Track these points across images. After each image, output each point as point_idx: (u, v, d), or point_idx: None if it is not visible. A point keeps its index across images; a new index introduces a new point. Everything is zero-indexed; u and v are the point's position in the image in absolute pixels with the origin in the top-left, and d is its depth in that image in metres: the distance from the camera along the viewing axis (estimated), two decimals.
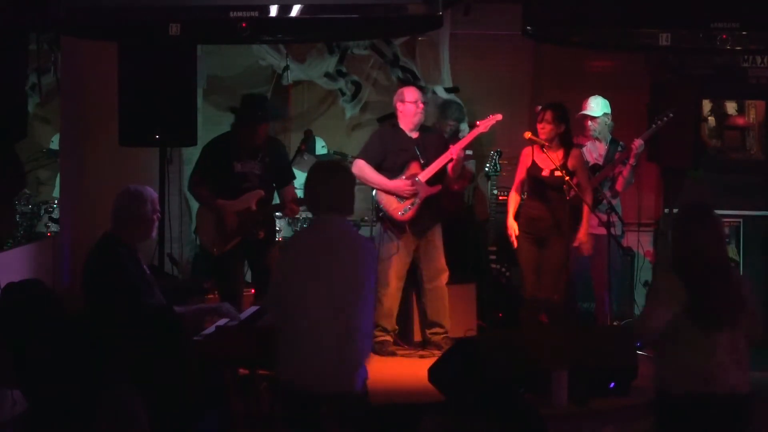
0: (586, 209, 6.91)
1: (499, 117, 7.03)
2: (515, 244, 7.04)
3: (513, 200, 7.15)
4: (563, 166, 6.87)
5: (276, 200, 7.05)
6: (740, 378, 4.31)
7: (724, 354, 4.27)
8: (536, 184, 7.01)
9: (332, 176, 4.45)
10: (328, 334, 4.25)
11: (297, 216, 7.74)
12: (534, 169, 7.01)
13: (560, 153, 6.94)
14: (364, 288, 4.33)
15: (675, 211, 4.70)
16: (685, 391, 4.28)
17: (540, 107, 7.12)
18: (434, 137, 7.31)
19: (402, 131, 7.11)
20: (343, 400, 4.29)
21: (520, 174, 7.13)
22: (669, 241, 4.56)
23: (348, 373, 4.30)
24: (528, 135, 6.91)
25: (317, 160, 8.95)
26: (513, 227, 7.04)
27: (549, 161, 6.91)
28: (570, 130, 7.02)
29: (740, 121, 8.30)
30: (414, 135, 7.11)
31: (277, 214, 7.36)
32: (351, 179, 4.54)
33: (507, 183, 8.11)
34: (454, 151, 6.96)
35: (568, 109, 7.07)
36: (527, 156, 7.06)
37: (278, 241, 7.46)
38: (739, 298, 4.29)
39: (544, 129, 6.91)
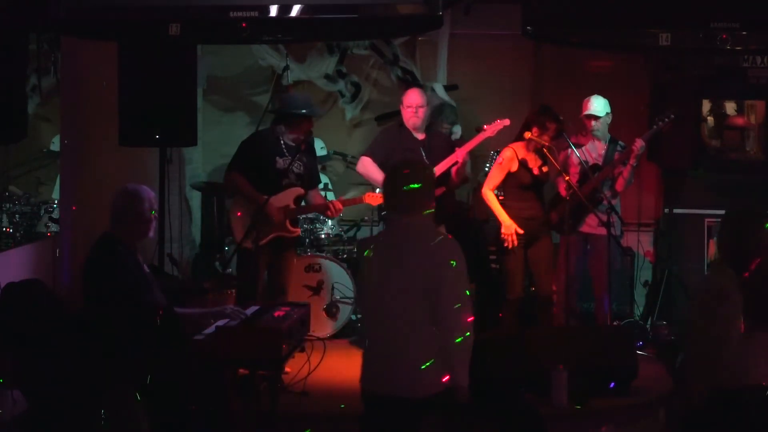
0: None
1: (507, 122, 7.01)
2: (513, 243, 6.93)
3: (495, 199, 7.06)
4: (545, 163, 6.94)
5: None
6: None
7: (764, 351, 4.34)
8: (526, 185, 7.00)
9: (409, 176, 4.33)
10: (411, 337, 4.15)
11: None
12: (523, 170, 6.98)
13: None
14: (448, 287, 4.19)
15: (726, 215, 4.73)
16: (721, 386, 4.32)
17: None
18: (440, 139, 7.32)
19: (408, 131, 7.12)
20: (432, 403, 4.19)
21: (501, 174, 7.04)
22: (721, 243, 4.58)
23: (434, 375, 4.18)
24: (528, 135, 6.90)
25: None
26: (514, 225, 6.95)
27: (534, 160, 6.94)
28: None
29: (740, 121, 8.29)
30: (420, 136, 7.12)
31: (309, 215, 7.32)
32: (428, 179, 4.39)
33: None
34: (460, 154, 6.96)
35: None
36: (511, 160, 6.98)
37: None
38: None
39: (549, 142, 6.85)
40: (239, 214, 6.77)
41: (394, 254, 4.24)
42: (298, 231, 6.75)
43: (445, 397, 4.23)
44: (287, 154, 6.71)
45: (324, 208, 6.87)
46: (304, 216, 8.22)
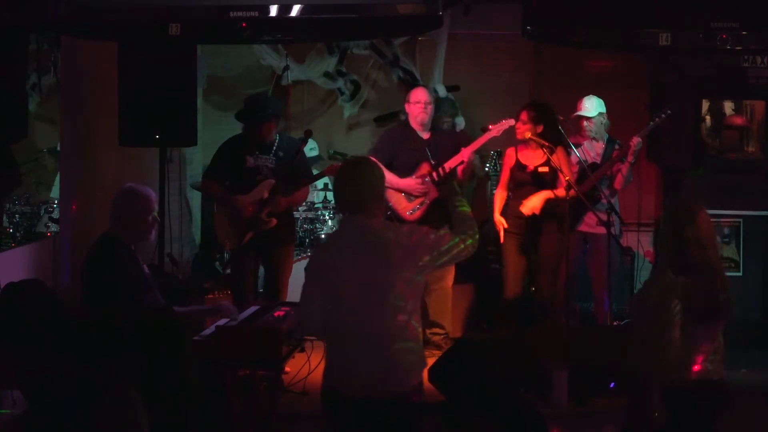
0: (555, 192, 6.91)
1: (512, 122, 7.01)
2: (502, 238, 7.01)
3: (500, 197, 7.15)
4: (547, 163, 6.91)
5: None
6: (718, 368, 4.44)
7: (707, 345, 4.40)
8: (521, 183, 7.02)
9: (355, 174, 4.20)
10: (375, 337, 4.03)
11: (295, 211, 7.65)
12: (518, 167, 7.02)
13: (540, 151, 6.96)
14: (406, 284, 4.08)
15: (665, 208, 4.76)
16: (670, 378, 4.37)
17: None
18: (446, 138, 7.30)
19: (413, 131, 7.11)
20: (395, 405, 4.05)
21: (505, 173, 7.17)
22: (660, 243, 4.61)
23: (398, 375, 4.07)
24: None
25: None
26: (501, 221, 7.02)
27: (533, 159, 6.96)
28: (551, 129, 6.99)
29: (738, 120, 8.28)
30: (425, 135, 7.11)
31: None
32: (371, 176, 4.20)
33: None
34: (466, 153, 6.95)
35: (548, 108, 7.05)
36: (511, 156, 7.10)
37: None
38: (725, 296, 4.40)
39: (519, 129, 6.92)
40: (218, 215, 6.84)
41: (356, 255, 4.08)
42: (274, 221, 6.64)
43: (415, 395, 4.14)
44: (258, 152, 6.73)
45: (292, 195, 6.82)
46: (304, 216, 8.24)
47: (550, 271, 7.02)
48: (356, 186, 4.16)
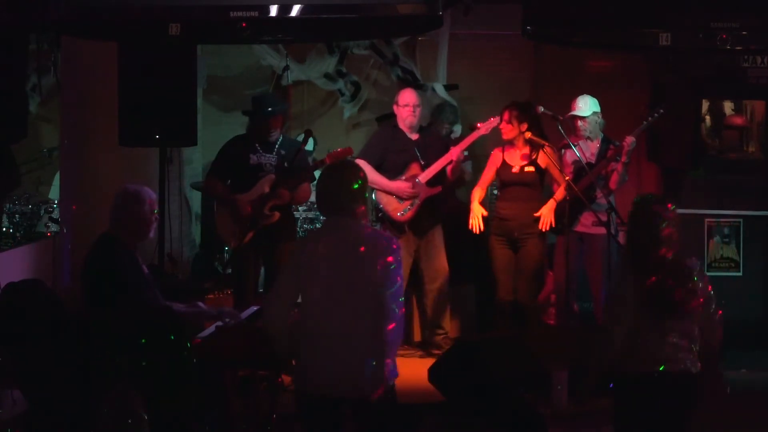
0: (555, 197, 6.89)
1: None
2: (474, 226, 6.92)
3: (477, 194, 7.06)
4: (533, 163, 6.90)
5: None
6: (691, 360, 4.48)
7: (677, 338, 4.44)
8: (507, 184, 7.02)
9: (336, 177, 4.29)
10: (345, 337, 4.10)
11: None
12: (504, 168, 7.01)
13: (526, 150, 6.95)
14: (382, 287, 4.14)
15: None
16: (640, 372, 4.43)
17: (541, 108, 7.12)
18: (434, 139, 7.33)
19: (402, 132, 7.12)
20: (365, 405, 4.13)
21: (486, 173, 7.13)
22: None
23: (369, 376, 4.14)
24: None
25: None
26: (479, 209, 6.94)
27: (518, 159, 6.96)
28: (534, 129, 6.98)
29: (738, 120, 8.28)
30: (414, 136, 7.13)
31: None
32: (354, 180, 4.25)
33: None
34: (454, 153, 6.97)
35: (530, 107, 7.05)
36: (497, 156, 7.07)
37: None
38: (687, 289, 4.43)
39: (505, 129, 6.93)
40: (219, 214, 6.84)
41: (334, 257, 4.15)
42: (277, 215, 6.66)
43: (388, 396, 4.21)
44: (261, 151, 6.74)
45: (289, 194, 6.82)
46: (304, 216, 8.24)
47: (525, 279, 6.99)
48: (338, 189, 4.23)
